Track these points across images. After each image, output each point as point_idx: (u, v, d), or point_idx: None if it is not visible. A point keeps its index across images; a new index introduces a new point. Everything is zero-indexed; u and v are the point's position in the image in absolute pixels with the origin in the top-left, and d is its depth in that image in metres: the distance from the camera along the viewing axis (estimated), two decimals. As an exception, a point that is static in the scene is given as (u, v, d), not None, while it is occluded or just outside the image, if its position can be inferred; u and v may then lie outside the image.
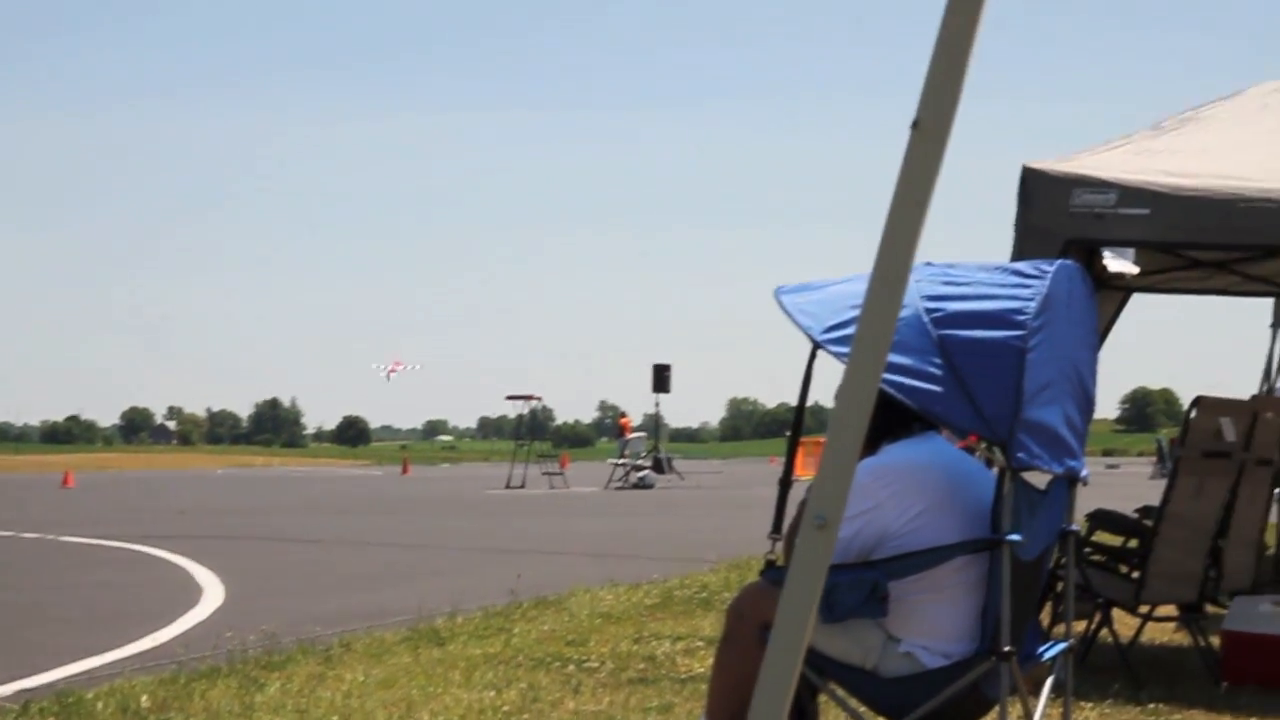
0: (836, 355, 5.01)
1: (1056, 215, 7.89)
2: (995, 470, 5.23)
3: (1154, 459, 59.96)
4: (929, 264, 5.58)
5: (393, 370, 78.16)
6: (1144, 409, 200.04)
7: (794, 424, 6.17)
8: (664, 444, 55.56)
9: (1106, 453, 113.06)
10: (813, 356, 5.52)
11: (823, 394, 5.78)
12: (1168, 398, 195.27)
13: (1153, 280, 10.03)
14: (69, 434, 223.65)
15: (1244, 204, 7.64)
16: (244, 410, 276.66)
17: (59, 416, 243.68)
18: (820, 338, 5.12)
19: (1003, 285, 5.25)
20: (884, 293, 2.19)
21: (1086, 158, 8.41)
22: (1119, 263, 8.68)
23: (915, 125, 2.05)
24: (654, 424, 53.28)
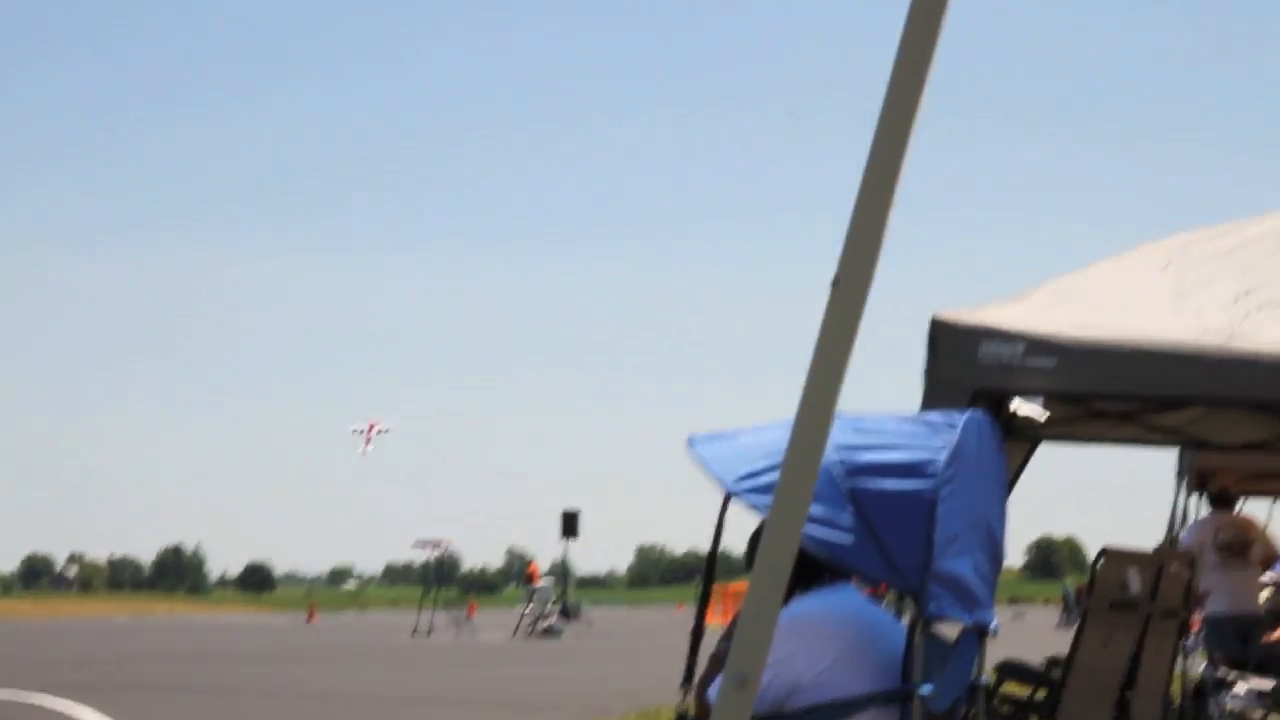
0: (750, 505, 5.02)
1: (965, 366, 7.95)
2: (906, 621, 5.23)
3: (1060, 607, 60.17)
4: (840, 413, 5.60)
5: (369, 437, 74.76)
6: (1049, 557, 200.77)
7: (706, 575, 6.14)
8: (572, 590, 55.25)
9: (1013, 600, 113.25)
10: (725, 505, 5.52)
11: (733, 541, 5.78)
12: (1073, 546, 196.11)
13: (1059, 430, 10.10)
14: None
15: (1148, 355, 7.72)
16: (147, 556, 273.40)
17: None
18: (733, 487, 5.12)
19: (913, 436, 5.28)
20: (804, 450, 2.20)
21: (994, 309, 8.49)
22: (1028, 406, 8.75)
23: (835, 283, 2.07)
24: (562, 570, 53.01)
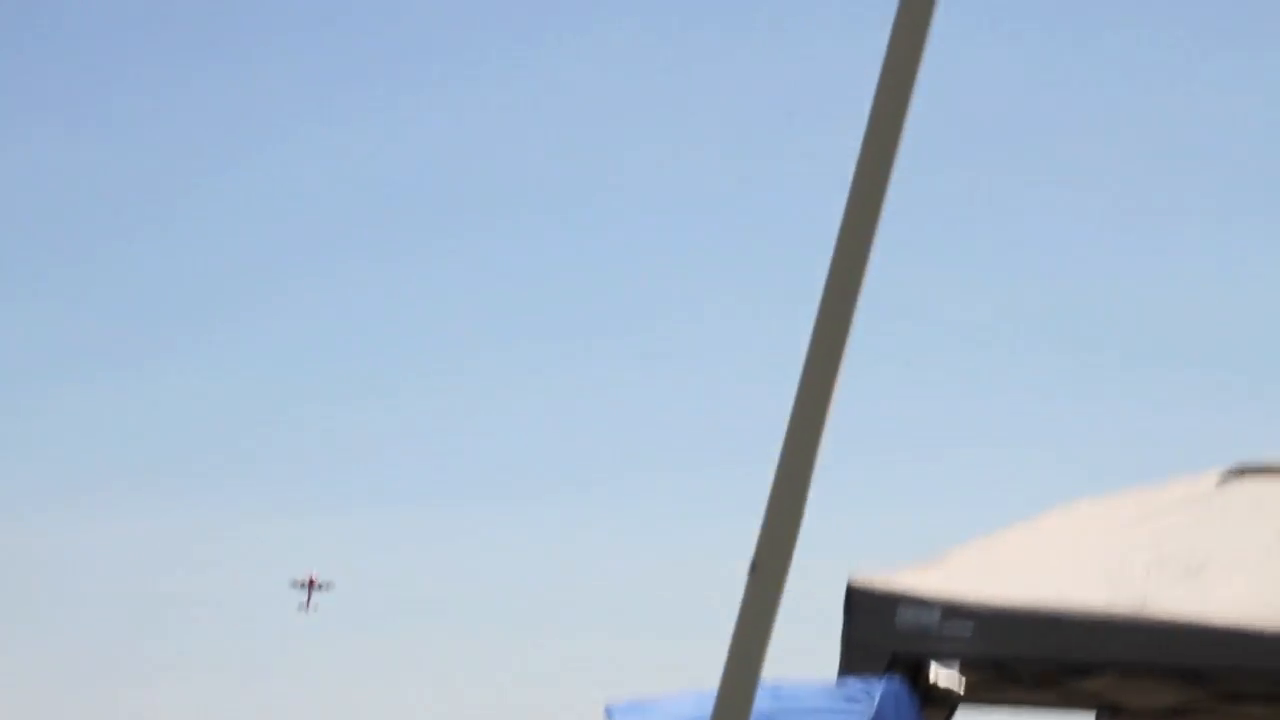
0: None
1: (881, 632, 7.94)
2: None
3: None
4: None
5: (309, 593, 69.88)
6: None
7: None
8: None
9: None
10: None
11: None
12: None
13: (977, 695, 10.07)
14: None
15: (1063, 621, 7.75)
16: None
17: None
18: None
19: (831, 705, 5.28)
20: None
21: (910, 573, 8.51)
22: (946, 675, 8.74)
23: (752, 569, 2.08)
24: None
